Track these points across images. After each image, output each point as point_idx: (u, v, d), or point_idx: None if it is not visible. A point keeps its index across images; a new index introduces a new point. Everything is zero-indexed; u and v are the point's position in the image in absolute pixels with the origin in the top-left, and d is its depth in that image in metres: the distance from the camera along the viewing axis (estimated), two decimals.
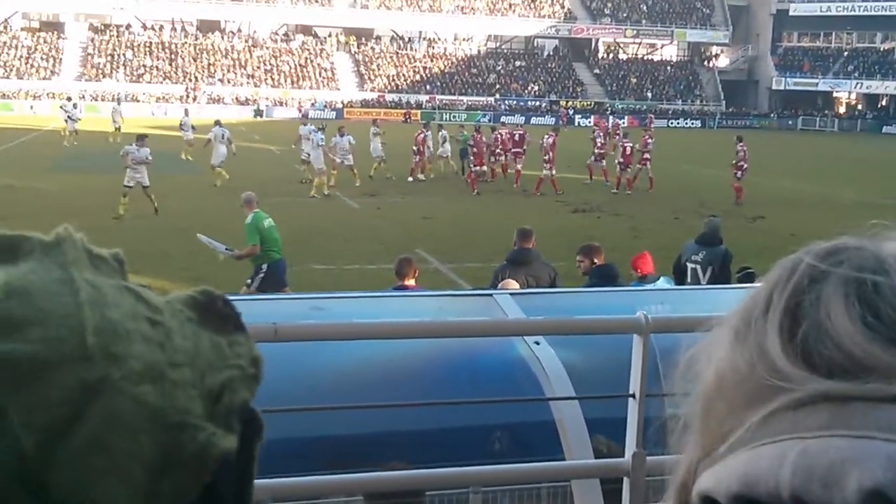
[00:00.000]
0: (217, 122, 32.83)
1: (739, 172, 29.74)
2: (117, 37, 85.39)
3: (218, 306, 0.74)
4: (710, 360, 0.94)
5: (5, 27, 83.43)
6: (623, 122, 40.47)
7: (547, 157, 31.38)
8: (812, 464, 0.77)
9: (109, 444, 0.61)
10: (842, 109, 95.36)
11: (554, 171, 31.19)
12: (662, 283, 10.97)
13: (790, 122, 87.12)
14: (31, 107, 57.81)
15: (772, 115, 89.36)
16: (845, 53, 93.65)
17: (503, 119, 60.16)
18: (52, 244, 0.68)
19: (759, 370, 0.87)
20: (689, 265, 12.51)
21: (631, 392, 2.89)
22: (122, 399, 0.61)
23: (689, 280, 12.32)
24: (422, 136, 34.70)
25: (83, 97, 59.74)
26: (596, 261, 10.37)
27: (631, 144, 32.60)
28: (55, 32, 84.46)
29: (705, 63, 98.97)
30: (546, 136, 32.26)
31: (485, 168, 33.43)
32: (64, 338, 0.61)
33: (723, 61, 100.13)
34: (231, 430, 0.69)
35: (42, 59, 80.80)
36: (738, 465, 0.84)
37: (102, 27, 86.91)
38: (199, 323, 0.72)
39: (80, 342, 0.61)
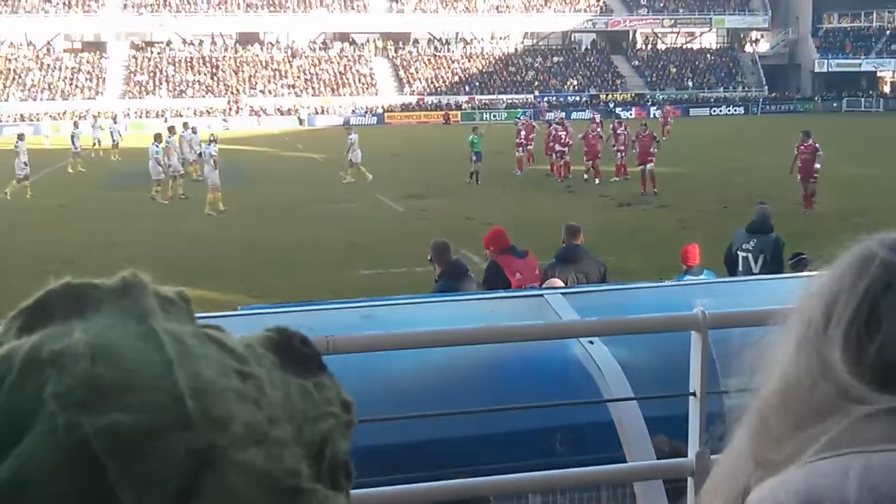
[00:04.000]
0: (19, 137, 33.01)
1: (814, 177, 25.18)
2: (158, 53, 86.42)
3: (296, 346, 0.65)
4: (773, 365, 0.88)
5: (49, 50, 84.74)
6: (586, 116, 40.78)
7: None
8: (877, 482, 0.73)
9: None
10: (887, 89, 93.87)
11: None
12: (706, 277, 10.86)
13: (835, 105, 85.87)
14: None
15: (816, 98, 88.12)
16: (887, 32, 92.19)
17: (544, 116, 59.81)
18: (121, 291, 0.59)
19: (824, 387, 0.82)
20: (741, 254, 12.38)
21: (691, 391, 2.83)
22: (231, 468, 0.53)
23: (741, 269, 12.19)
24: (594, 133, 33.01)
25: (127, 115, 60.30)
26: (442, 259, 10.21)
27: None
28: (97, 52, 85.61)
29: (745, 49, 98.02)
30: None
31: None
32: (162, 404, 0.53)
33: (763, 46, 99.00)
34: (340, 489, 0.61)
35: (86, 79, 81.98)
36: (798, 481, 0.80)
37: (143, 45, 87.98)
38: (282, 367, 0.63)
39: (180, 408, 0.53)
